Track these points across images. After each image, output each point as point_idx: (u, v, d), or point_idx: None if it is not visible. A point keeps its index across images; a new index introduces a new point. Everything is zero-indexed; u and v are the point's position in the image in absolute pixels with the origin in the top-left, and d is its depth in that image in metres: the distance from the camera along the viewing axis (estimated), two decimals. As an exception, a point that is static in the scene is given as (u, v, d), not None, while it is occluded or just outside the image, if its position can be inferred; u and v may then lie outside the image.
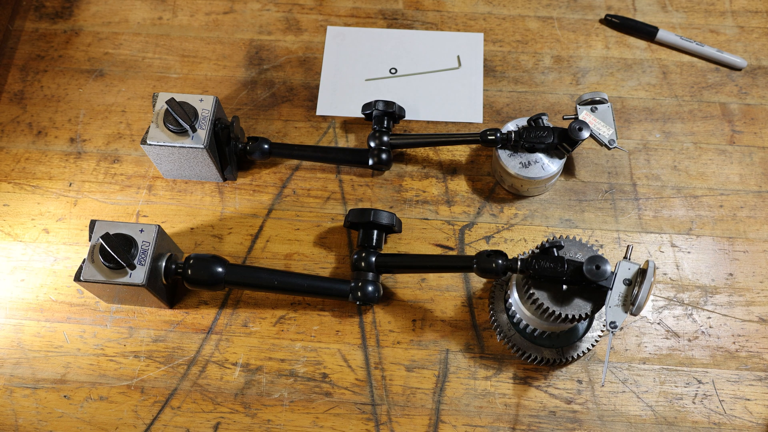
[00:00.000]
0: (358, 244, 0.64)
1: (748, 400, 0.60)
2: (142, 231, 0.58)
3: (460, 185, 0.70)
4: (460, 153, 0.71)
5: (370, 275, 0.62)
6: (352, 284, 0.61)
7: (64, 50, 0.77)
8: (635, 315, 0.52)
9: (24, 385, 0.61)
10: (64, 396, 0.61)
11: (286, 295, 0.65)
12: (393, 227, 0.64)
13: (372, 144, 0.68)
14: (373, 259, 0.62)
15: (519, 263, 0.55)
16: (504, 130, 0.66)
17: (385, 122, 0.69)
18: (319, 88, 0.75)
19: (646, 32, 0.76)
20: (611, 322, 0.51)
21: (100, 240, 0.56)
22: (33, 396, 0.61)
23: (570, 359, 0.59)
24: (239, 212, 0.69)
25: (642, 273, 0.52)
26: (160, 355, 0.62)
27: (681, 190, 0.69)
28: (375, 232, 0.63)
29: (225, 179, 0.70)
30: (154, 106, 0.64)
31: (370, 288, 0.61)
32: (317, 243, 0.67)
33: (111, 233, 0.57)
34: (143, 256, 0.57)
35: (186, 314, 0.64)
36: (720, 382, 0.61)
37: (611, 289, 0.52)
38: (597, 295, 0.53)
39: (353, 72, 0.76)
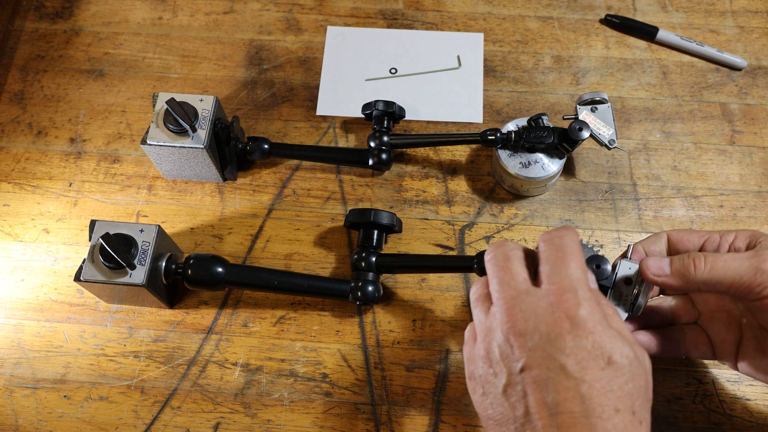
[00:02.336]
0: (359, 244, 0.64)
1: (748, 400, 0.60)
2: (142, 231, 0.58)
3: (460, 185, 0.70)
4: (460, 153, 0.71)
5: (370, 275, 0.62)
6: (352, 284, 0.61)
7: (64, 50, 0.77)
8: (636, 315, 0.51)
9: (24, 385, 0.61)
10: (64, 396, 0.61)
11: (286, 295, 0.65)
12: (393, 227, 0.64)
13: (372, 144, 0.68)
14: (374, 259, 0.62)
15: None
16: (504, 130, 0.66)
17: (385, 122, 0.69)
18: (319, 88, 0.75)
19: (646, 32, 0.76)
20: None
21: (100, 240, 0.56)
22: (33, 396, 0.61)
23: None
24: (239, 212, 0.69)
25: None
26: (160, 355, 0.62)
27: (681, 190, 0.69)
28: (375, 232, 0.63)
29: (225, 179, 0.70)
30: (154, 106, 0.64)
31: (370, 288, 0.61)
32: (317, 243, 0.67)
33: (111, 233, 0.57)
34: (143, 256, 0.57)
35: (186, 314, 0.64)
36: (720, 382, 0.61)
37: (611, 288, 0.52)
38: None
39: (353, 72, 0.76)
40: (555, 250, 0.44)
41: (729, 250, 0.49)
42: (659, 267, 0.48)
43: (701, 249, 0.50)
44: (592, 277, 0.47)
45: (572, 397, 0.38)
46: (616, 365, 0.39)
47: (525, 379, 0.40)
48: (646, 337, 0.53)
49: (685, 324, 0.55)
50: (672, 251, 0.52)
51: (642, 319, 0.54)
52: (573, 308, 0.40)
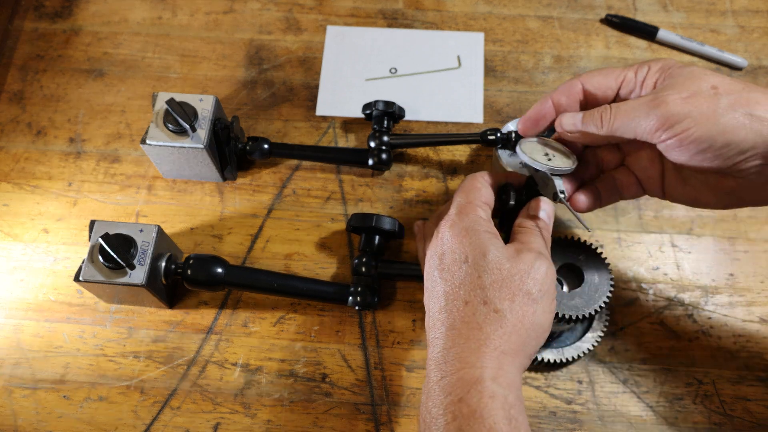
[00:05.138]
0: (360, 249, 0.63)
1: (749, 400, 0.60)
2: (141, 231, 0.58)
3: (460, 185, 0.70)
4: (460, 153, 0.71)
5: (371, 280, 0.62)
6: (352, 289, 0.61)
7: (64, 50, 0.77)
8: (575, 163, 0.51)
9: (23, 385, 0.61)
10: (64, 396, 0.61)
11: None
12: (395, 233, 0.63)
13: (372, 144, 0.68)
14: (374, 264, 0.62)
15: None
16: (504, 130, 0.65)
17: (385, 122, 0.68)
18: (319, 88, 0.75)
19: (647, 32, 0.76)
20: (554, 194, 0.51)
21: (100, 240, 0.56)
22: (32, 396, 0.61)
23: (570, 359, 0.59)
24: (239, 212, 0.69)
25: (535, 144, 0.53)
26: (160, 356, 0.62)
27: (681, 190, 0.69)
28: (377, 237, 0.63)
29: (225, 179, 0.70)
30: (153, 105, 0.64)
31: (369, 294, 0.61)
32: (317, 243, 0.67)
33: (110, 233, 0.57)
34: (143, 256, 0.57)
35: (186, 314, 0.64)
36: (720, 383, 0.61)
37: (538, 185, 0.53)
38: (597, 294, 0.53)
39: (353, 72, 0.76)
40: (460, 188, 0.52)
41: (642, 88, 0.49)
42: (572, 123, 0.50)
43: (617, 92, 0.50)
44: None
45: (437, 297, 0.48)
46: (470, 263, 0.46)
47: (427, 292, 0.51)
48: (582, 196, 0.53)
49: (614, 170, 0.54)
50: (588, 98, 0.51)
51: (576, 175, 0.54)
52: (445, 227, 0.49)
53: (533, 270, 0.46)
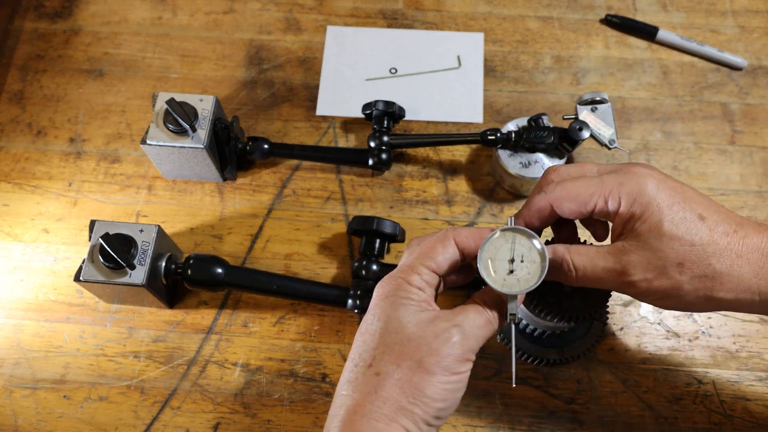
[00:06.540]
0: (360, 252, 0.63)
1: (749, 400, 0.60)
2: (141, 231, 0.58)
3: (460, 185, 0.70)
4: (460, 153, 0.71)
5: (370, 284, 0.62)
6: (351, 292, 0.61)
7: (64, 50, 0.77)
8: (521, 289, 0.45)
9: (23, 385, 0.61)
10: (64, 396, 0.61)
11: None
12: (396, 236, 0.63)
13: (372, 144, 0.68)
14: (375, 267, 0.62)
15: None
16: (504, 130, 0.66)
17: (385, 122, 0.68)
18: (319, 88, 0.75)
19: (647, 32, 0.76)
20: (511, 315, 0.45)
21: (100, 240, 0.56)
22: (33, 396, 0.61)
23: (570, 359, 0.59)
24: (239, 212, 0.69)
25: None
26: (160, 356, 0.62)
27: (681, 190, 0.69)
28: (378, 240, 0.63)
29: (225, 179, 0.70)
30: (153, 106, 0.64)
31: (369, 297, 0.61)
32: (317, 243, 0.67)
33: (111, 233, 0.57)
34: (143, 256, 0.57)
35: (186, 314, 0.64)
36: (720, 383, 0.61)
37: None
38: (598, 295, 0.53)
39: (353, 72, 0.76)
40: (422, 243, 0.48)
41: (614, 219, 0.46)
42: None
43: (592, 214, 0.47)
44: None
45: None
46: (376, 327, 0.45)
47: None
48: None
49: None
50: (559, 218, 0.49)
51: (559, 239, 0.52)
52: (377, 286, 0.48)
53: (437, 341, 0.43)
